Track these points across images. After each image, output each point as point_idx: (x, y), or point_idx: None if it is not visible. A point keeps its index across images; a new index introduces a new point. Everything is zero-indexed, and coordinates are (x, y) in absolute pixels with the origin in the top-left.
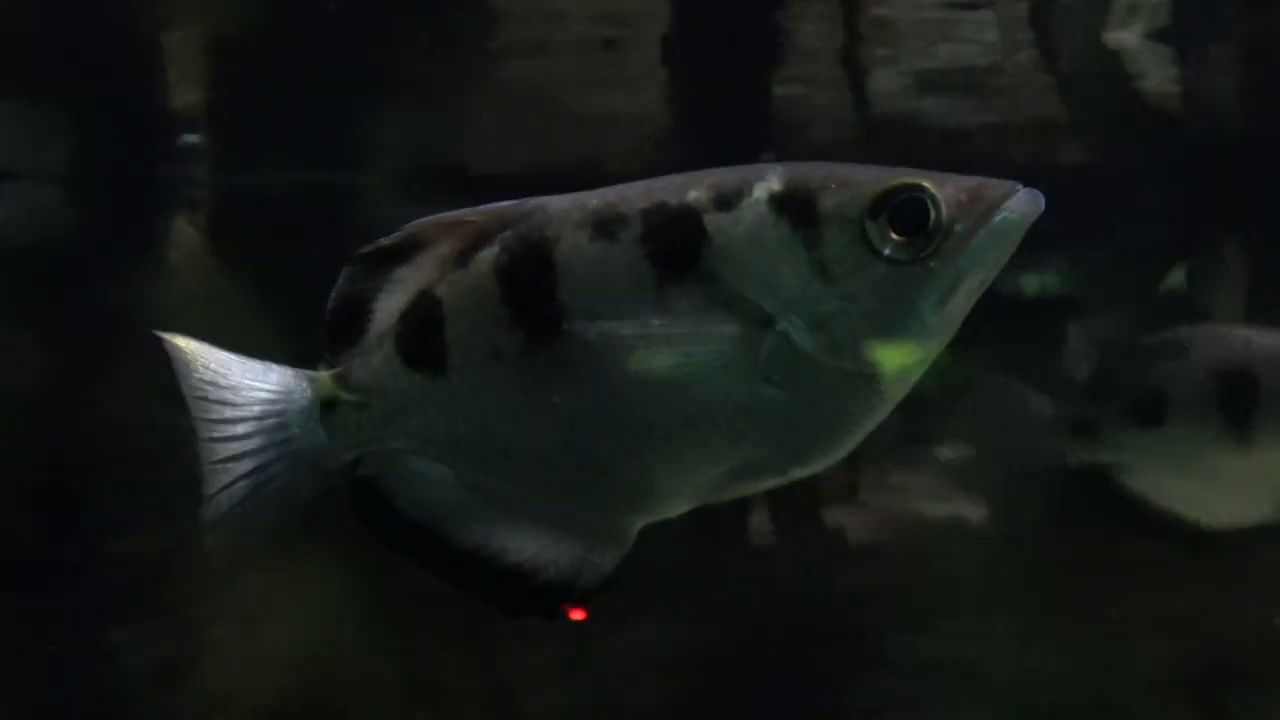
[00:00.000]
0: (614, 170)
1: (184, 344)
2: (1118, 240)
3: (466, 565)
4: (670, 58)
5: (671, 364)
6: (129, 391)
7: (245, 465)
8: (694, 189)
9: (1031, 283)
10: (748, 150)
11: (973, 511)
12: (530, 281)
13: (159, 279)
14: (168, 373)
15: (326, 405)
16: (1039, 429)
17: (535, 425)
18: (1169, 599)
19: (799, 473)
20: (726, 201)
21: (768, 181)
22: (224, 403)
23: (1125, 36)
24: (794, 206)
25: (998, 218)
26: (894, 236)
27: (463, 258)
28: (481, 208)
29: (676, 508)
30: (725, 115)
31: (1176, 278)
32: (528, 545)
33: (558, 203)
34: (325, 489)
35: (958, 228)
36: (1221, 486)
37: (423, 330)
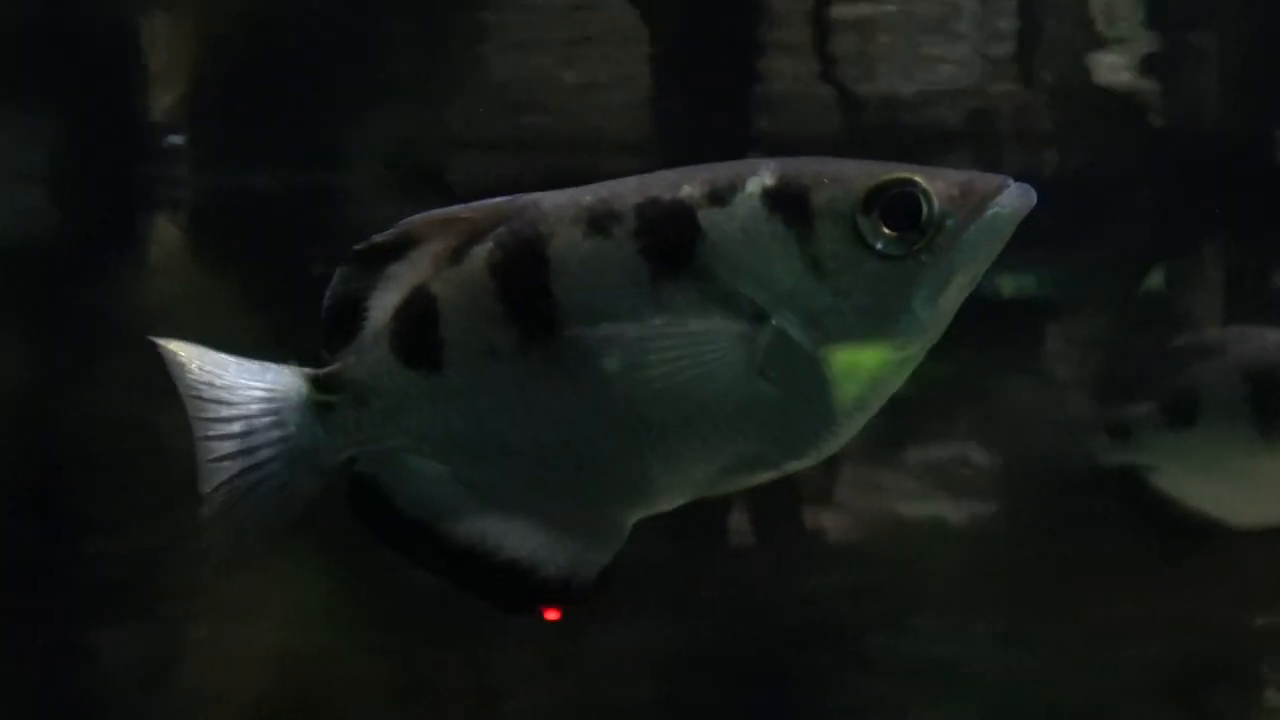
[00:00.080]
0: (604, 169)
1: (178, 346)
2: (1102, 243)
3: (463, 562)
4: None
5: (667, 360)
6: (113, 392)
7: (241, 463)
8: (687, 184)
9: (1010, 284)
10: (735, 148)
11: (954, 512)
12: (524, 278)
13: (143, 279)
14: (153, 372)
15: (323, 403)
16: (1066, 429)
17: (531, 421)
18: (1150, 600)
19: (793, 466)
20: (720, 197)
21: (761, 176)
22: (220, 401)
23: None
24: (787, 202)
25: (989, 212)
26: (886, 231)
27: (457, 254)
28: (475, 204)
29: (671, 502)
30: (708, 114)
31: (1156, 279)
32: (524, 542)
33: (551, 198)
34: (322, 487)
35: (949, 222)
36: (1251, 487)
37: (418, 327)
